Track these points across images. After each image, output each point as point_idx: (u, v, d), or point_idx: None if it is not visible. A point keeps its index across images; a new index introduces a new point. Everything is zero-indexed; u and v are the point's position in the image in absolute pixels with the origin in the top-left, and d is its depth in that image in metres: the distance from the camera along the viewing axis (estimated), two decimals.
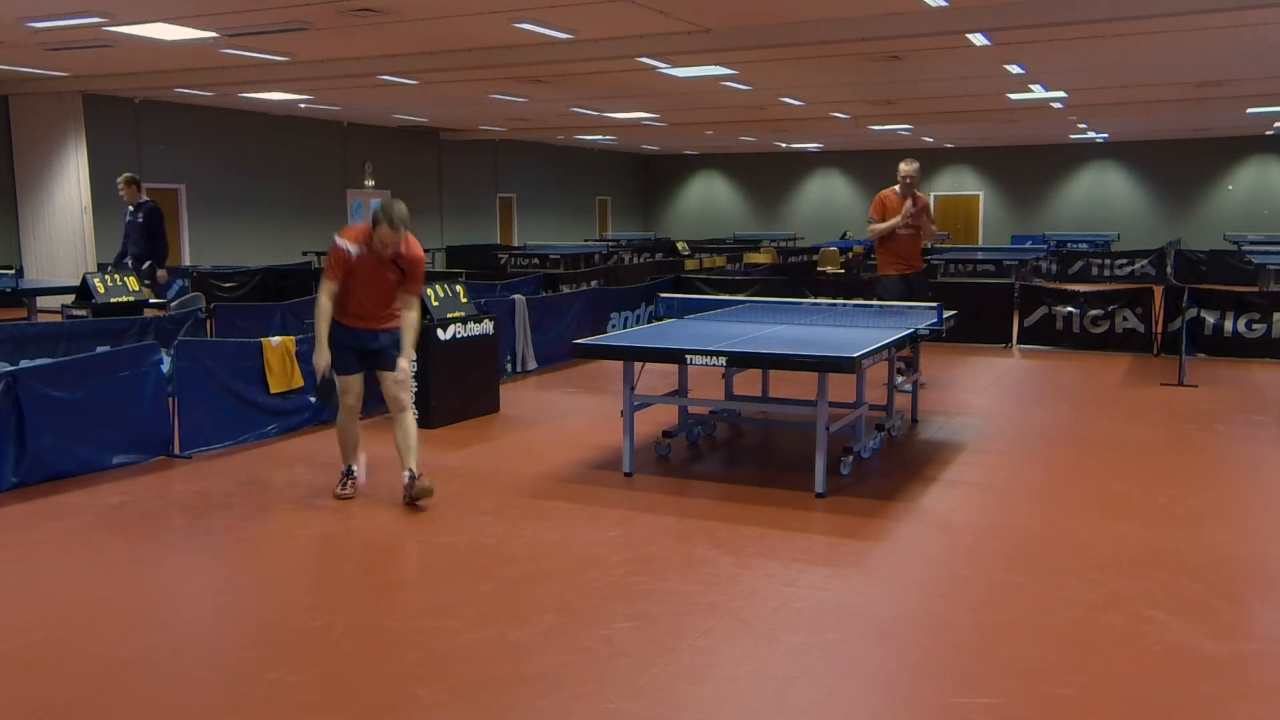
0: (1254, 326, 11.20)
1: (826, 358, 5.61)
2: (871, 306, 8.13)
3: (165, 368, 6.95)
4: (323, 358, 5.62)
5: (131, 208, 11.44)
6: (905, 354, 7.87)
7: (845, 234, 29.05)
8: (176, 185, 20.06)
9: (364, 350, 5.79)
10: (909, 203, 8.98)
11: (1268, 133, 26.63)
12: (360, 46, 13.43)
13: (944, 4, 10.81)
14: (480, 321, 8.27)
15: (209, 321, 10.16)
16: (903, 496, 5.90)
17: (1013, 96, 18.95)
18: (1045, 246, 22.96)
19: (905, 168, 9.05)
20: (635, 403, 6.38)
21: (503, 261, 21.16)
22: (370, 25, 11.93)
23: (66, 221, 16.62)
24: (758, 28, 12.01)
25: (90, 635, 4.01)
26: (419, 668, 3.72)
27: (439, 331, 7.77)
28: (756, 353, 5.83)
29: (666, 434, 7.00)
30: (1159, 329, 11.58)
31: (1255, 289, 13.25)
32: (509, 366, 10.01)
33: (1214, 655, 3.82)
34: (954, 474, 6.43)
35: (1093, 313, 11.84)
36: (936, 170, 31.53)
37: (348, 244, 5.60)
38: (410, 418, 5.80)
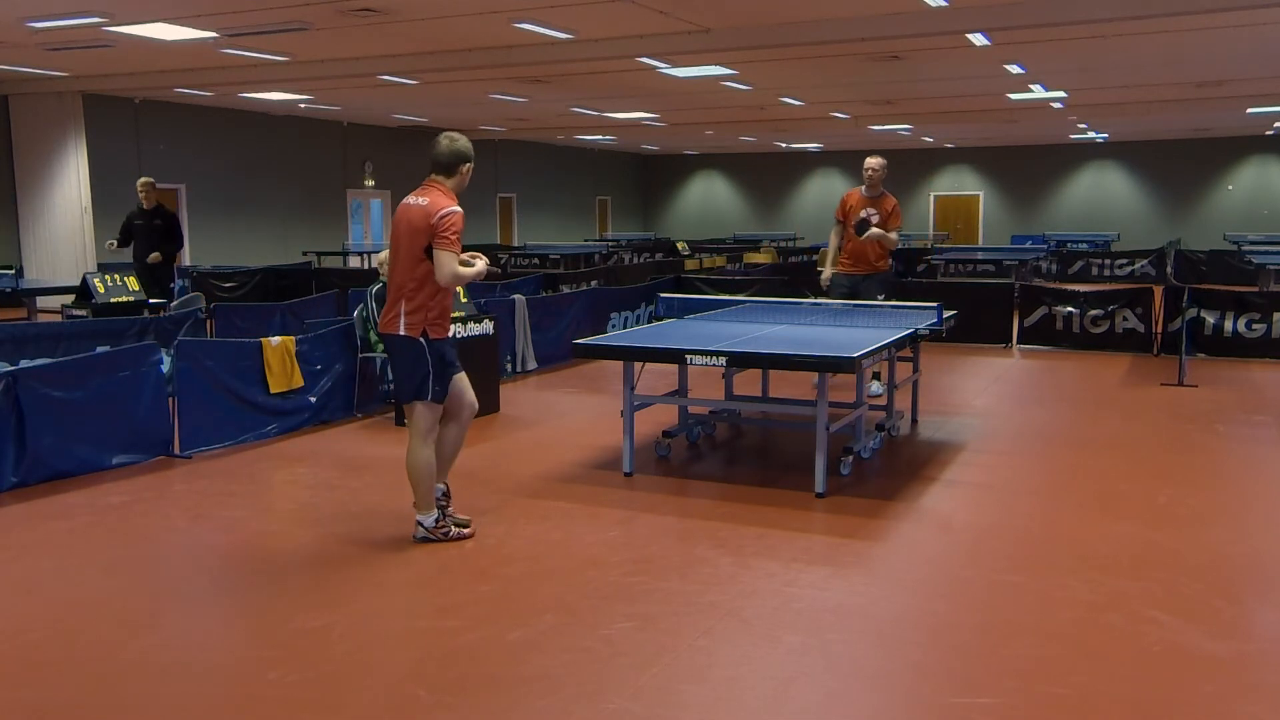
0: (1254, 326, 11.21)
1: (826, 358, 5.61)
2: (871, 307, 8.12)
3: (165, 368, 6.96)
4: (480, 263, 5.00)
5: (149, 209, 11.58)
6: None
7: None
8: (176, 185, 20.06)
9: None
10: (864, 213, 8.69)
11: (1268, 133, 26.64)
12: (360, 46, 13.44)
13: (944, 4, 10.82)
14: (480, 321, 8.27)
15: (209, 321, 10.16)
16: (903, 496, 5.90)
17: (1013, 96, 18.96)
18: (1045, 246, 22.97)
19: (870, 160, 8.84)
20: (635, 403, 6.38)
21: (503, 261, 21.15)
22: (370, 25, 11.94)
23: (66, 221, 16.63)
24: (758, 28, 12.01)
25: (90, 635, 4.01)
26: (419, 668, 3.72)
27: None
28: (756, 353, 5.83)
29: (666, 434, 7.00)
30: (1159, 329, 11.58)
31: (1255, 289, 13.25)
32: (509, 366, 10.01)
33: (1214, 655, 3.81)
34: (954, 474, 6.43)
35: (1093, 313, 11.84)
36: (936, 170, 31.54)
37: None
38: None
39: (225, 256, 19.85)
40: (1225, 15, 11.07)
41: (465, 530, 5.16)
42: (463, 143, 5.06)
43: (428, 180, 5.03)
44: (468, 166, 5.07)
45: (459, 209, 4.89)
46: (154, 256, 11.39)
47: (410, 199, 5.00)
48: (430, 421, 5.02)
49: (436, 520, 5.09)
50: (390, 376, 8.20)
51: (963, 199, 31.50)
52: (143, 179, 11.66)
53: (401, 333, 4.92)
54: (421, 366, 4.93)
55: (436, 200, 4.90)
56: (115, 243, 11.60)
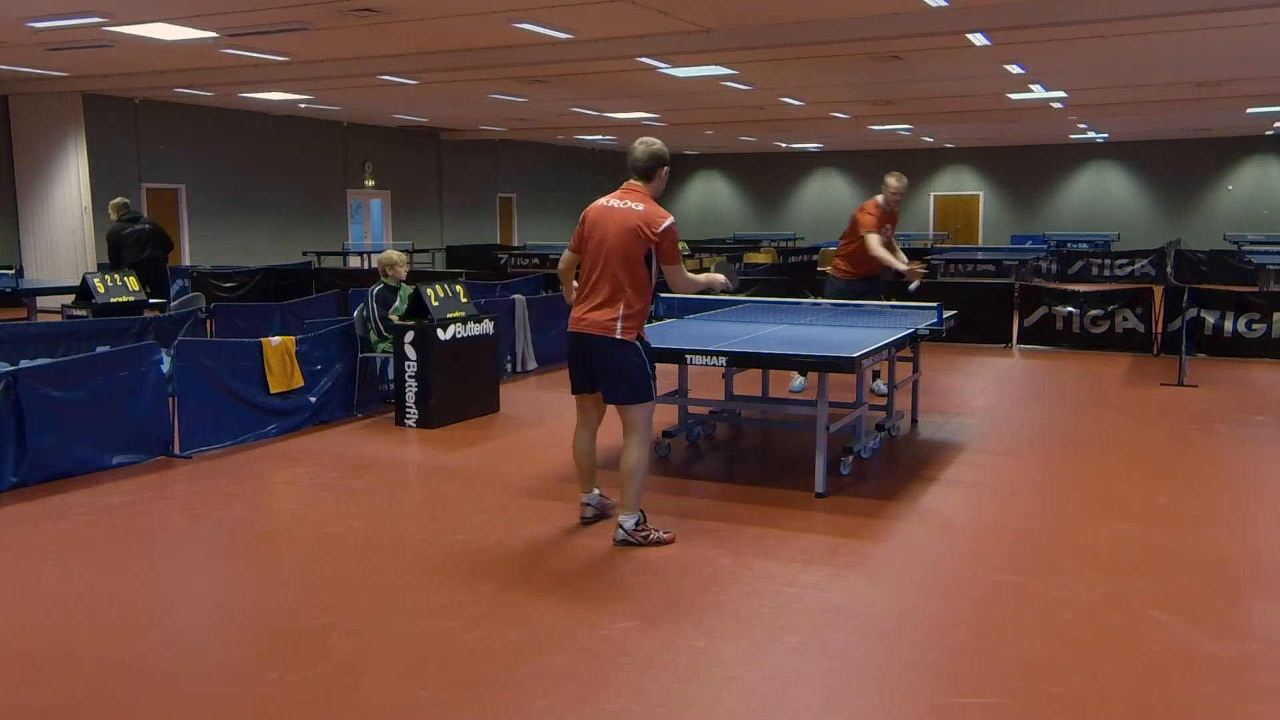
0: (1254, 326, 11.21)
1: (826, 358, 5.61)
2: (872, 307, 8.12)
3: (165, 368, 6.96)
4: (717, 277, 5.30)
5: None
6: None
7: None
8: (176, 185, 20.07)
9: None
10: (884, 230, 8.56)
11: (1268, 133, 26.63)
12: (360, 46, 13.44)
13: (944, 4, 10.81)
14: (480, 321, 8.27)
15: (209, 321, 10.16)
16: (903, 496, 5.90)
17: (1013, 96, 18.95)
18: (1045, 246, 22.97)
19: (896, 184, 8.52)
20: None
21: (503, 261, 21.16)
22: (370, 25, 11.94)
23: (66, 222, 16.64)
24: (758, 28, 12.01)
25: (90, 635, 4.01)
26: (419, 668, 3.72)
27: (439, 331, 7.78)
28: (756, 353, 5.83)
29: (666, 434, 7.00)
30: (1159, 329, 11.58)
31: (1255, 289, 13.26)
32: (509, 366, 10.01)
33: (1214, 655, 3.81)
34: (954, 474, 6.43)
35: (1093, 313, 11.84)
36: (936, 170, 31.53)
37: None
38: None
39: (225, 256, 19.85)
40: (1225, 15, 11.07)
41: (666, 536, 5.10)
42: (657, 146, 5.11)
43: (628, 185, 5.06)
44: (665, 170, 5.14)
45: (673, 219, 4.98)
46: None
47: (614, 202, 5.02)
48: (649, 419, 5.12)
49: (638, 523, 5.06)
50: (390, 375, 8.21)
51: (963, 199, 31.48)
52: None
53: (619, 337, 4.94)
54: (642, 369, 5.00)
55: (651, 210, 4.96)
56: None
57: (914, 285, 8.66)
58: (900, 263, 8.58)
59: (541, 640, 3.93)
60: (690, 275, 5.14)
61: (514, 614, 4.19)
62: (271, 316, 10.59)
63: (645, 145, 5.08)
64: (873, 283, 8.93)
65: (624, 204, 4.98)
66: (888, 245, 8.60)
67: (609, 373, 5.02)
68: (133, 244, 11.21)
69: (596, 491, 5.44)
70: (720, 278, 5.37)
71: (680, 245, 25.16)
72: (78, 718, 3.39)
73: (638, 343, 4.99)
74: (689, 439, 7.28)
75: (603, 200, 5.08)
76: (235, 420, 7.16)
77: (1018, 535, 5.24)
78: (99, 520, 5.48)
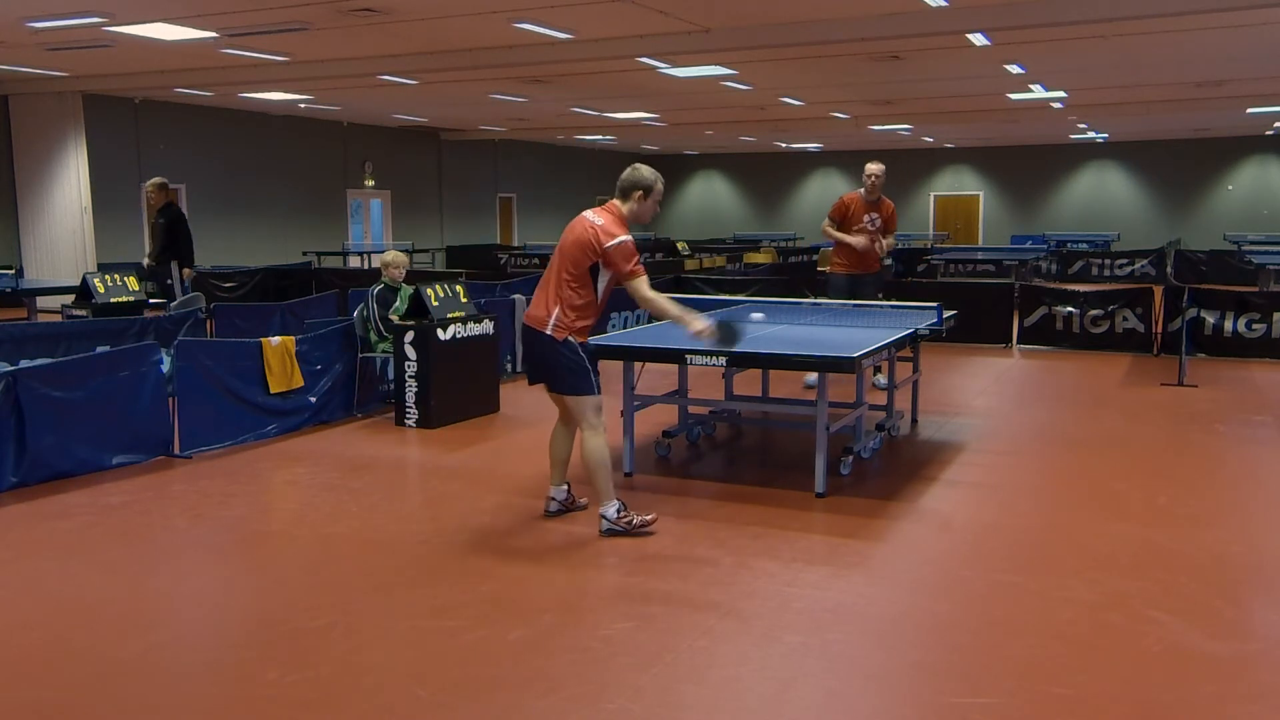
0: (1254, 326, 11.20)
1: (826, 358, 5.61)
2: (872, 307, 8.13)
3: (165, 368, 6.96)
4: (698, 320, 5.12)
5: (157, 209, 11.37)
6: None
7: None
8: (176, 185, 20.04)
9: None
10: (866, 220, 8.82)
11: (1268, 133, 26.64)
12: (360, 46, 13.44)
13: (944, 4, 10.81)
14: (480, 321, 8.27)
15: (209, 321, 10.16)
16: (903, 496, 5.90)
17: (1013, 96, 18.96)
18: (1045, 246, 22.97)
19: (872, 167, 8.92)
20: (635, 403, 6.39)
21: (503, 261, 21.16)
22: (370, 25, 11.94)
23: (66, 222, 16.63)
24: (758, 28, 12.02)
25: (90, 635, 4.01)
26: (419, 668, 3.72)
27: (439, 331, 7.78)
28: (756, 353, 5.83)
29: (666, 434, 7.00)
30: (1159, 329, 11.58)
31: (1255, 289, 13.26)
32: (509, 366, 10.01)
33: (1214, 655, 3.81)
34: (954, 474, 6.43)
35: (1093, 313, 11.84)
36: (936, 170, 31.53)
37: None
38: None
39: (225, 256, 19.84)
40: (1225, 15, 11.07)
41: (649, 518, 5.25)
42: (643, 171, 5.21)
43: (610, 201, 5.23)
44: (640, 194, 5.18)
45: (628, 237, 5.07)
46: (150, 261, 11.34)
47: (587, 214, 5.20)
48: (595, 411, 5.23)
49: (619, 511, 5.19)
50: (390, 375, 8.21)
51: (963, 199, 31.49)
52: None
53: (549, 333, 5.12)
54: (572, 366, 5.16)
55: (610, 225, 5.08)
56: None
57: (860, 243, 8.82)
58: (861, 240, 8.79)
59: (541, 640, 3.93)
60: (658, 298, 5.10)
61: (514, 614, 4.19)
62: (271, 316, 10.59)
63: (632, 169, 5.24)
64: (877, 277, 9.04)
65: (593, 217, 5.16)
66: (871, 237, 8.86)
67: (544, 365, 5.25)
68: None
69: (565, 486, 5.54)
70: (706, 326, 5.14)
71: (680, 246, 25.04)
72: (78, 718, 3.39)
73: (570, 340, 5.15)
74: (689, 439, 7.28)
75: (585, 211, 5.28)
76: (235, 420, 7.16)
77: (1018, 535, 5.24)
78: (99, 520, 5.48)
